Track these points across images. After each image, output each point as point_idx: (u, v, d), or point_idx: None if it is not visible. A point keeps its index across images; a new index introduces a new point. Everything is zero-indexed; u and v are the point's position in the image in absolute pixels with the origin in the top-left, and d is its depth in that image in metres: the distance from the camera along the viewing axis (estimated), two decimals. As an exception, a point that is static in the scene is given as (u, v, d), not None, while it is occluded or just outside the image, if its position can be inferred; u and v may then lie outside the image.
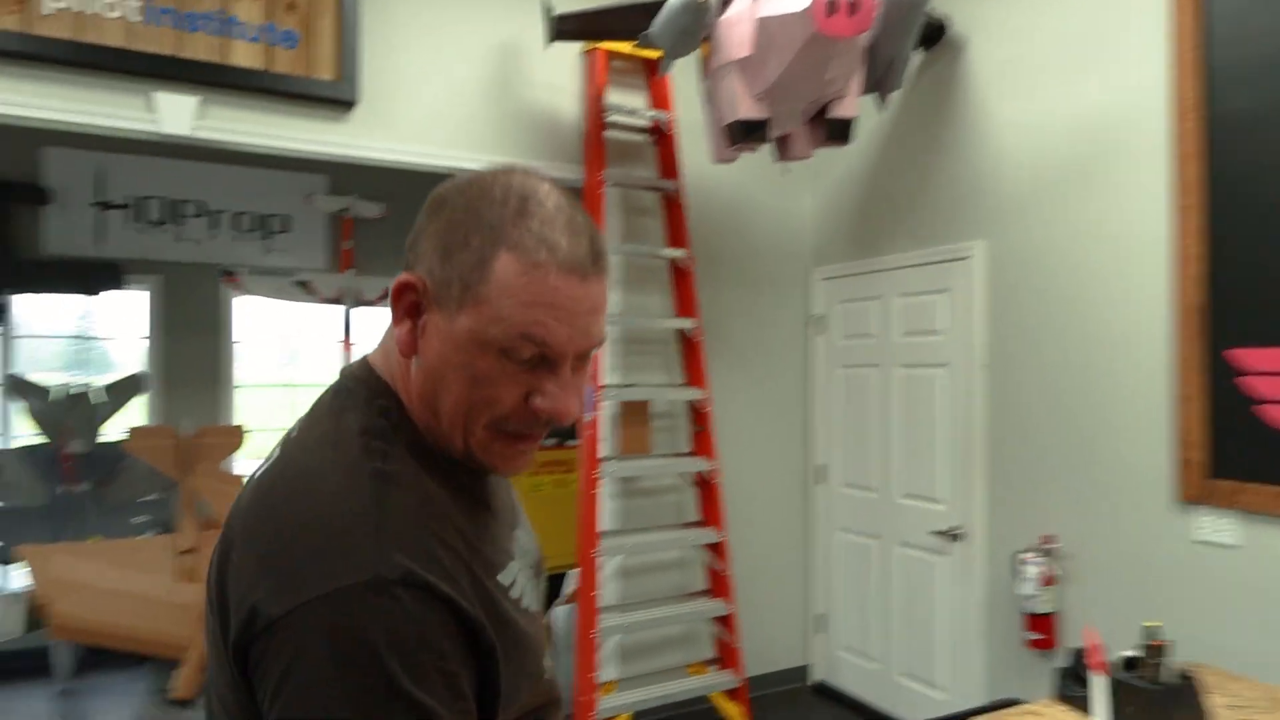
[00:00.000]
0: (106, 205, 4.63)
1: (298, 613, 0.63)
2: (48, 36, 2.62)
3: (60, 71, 2.66)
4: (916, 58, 3.41)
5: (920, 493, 3.44)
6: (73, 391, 4.48)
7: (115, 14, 2.71)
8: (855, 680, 3.79)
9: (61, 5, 2.64)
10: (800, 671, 4.02)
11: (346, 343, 5.18)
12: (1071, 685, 1.83)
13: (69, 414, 4.39)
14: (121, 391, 4.60)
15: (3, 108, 2.61)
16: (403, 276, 0.75)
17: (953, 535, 3.25)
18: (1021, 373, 3.04)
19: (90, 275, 4.57)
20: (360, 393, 0.77)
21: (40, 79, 2.64)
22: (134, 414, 4.72)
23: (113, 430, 4.52)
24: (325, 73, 2.99)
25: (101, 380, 4.68)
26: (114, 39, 2.71)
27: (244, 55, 2.88)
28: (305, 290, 5.08)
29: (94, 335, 5.49)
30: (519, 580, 0.79)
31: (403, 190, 5.23)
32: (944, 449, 3.32)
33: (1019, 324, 3.05)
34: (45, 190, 4.46)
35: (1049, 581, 2.83)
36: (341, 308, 5.12)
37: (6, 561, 4.12)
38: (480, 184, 0.74)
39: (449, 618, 0.66)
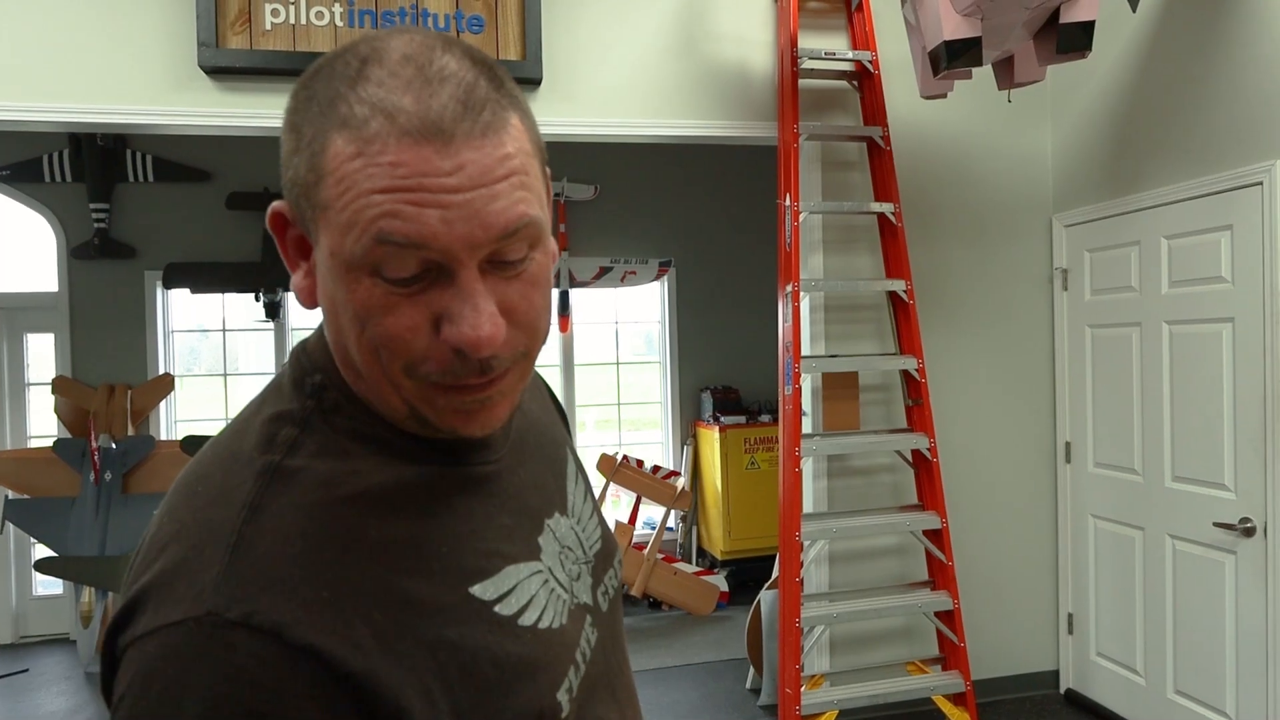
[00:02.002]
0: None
1: (126, 656, 0.49)
2: (270, 50, 2.87)
3: (284, 82, 2.89)
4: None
5: (1198, 476, 2.83)
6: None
7: (323, 21, 2.91)
8: (1113, 693, 3.23)
9: (278, 20, 2.88)
10: (1049, 677, 3.51)
11: (564, 323, 5.33)
12: None
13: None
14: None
15: (244, 120, 2.89)
16: (274, 206, 0.57)
17: (1244, 529, 2.64)
18: (1341, 325, 2.37)
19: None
20: (293, 368, 0.60)
21: (269, 90, 2.89)
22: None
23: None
24: (512, 53, 3.01)
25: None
26: (323, 45, 2.91)
27: (437, 45, 2.98)
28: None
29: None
30: (529, 586, 0.60)
31: (614, 170, 5.29)
32: (1231, 422, 2.69)
33: (1337, 263, 2.38)
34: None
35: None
36: (557, 291, 5.28)
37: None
38: (333, 55, 0.54)
39: (321, 679, 0.47)
